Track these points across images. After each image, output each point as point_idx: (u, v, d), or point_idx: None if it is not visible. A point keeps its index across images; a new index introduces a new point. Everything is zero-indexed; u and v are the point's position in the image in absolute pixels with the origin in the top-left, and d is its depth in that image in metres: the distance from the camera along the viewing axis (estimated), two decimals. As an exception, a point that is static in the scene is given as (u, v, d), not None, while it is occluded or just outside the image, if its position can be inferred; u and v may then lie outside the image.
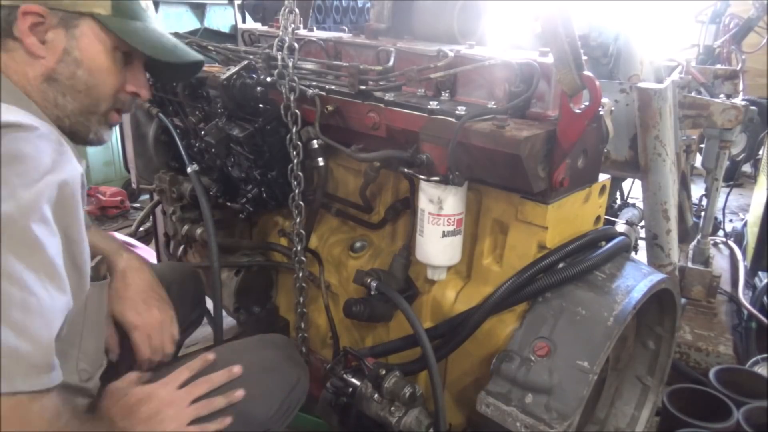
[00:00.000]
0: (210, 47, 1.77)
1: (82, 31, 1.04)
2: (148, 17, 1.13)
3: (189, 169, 1.67)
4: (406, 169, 1.33)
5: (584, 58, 1.13)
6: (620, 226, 2.46)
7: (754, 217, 3.16)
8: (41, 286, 0.85)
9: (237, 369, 1.21)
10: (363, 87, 1.40)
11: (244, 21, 4.28)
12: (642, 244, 2.54)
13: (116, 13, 1.06)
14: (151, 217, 2.33)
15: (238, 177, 1.64)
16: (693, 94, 2.28)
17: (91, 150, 3.74)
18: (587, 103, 1.14)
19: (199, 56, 1.23)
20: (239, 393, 1.18)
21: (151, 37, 1.12)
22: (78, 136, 1.14)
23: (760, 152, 4.52)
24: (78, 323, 1.10)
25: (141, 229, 2.88)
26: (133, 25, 1.09)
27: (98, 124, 1.14)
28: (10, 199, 0.83)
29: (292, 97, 1.43)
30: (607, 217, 1.81)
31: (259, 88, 1.50)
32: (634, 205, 3.03)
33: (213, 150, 1.58)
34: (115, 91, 1.13)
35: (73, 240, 0.95)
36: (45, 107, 1.06)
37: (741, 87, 2.73)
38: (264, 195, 1.63)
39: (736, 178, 4.30)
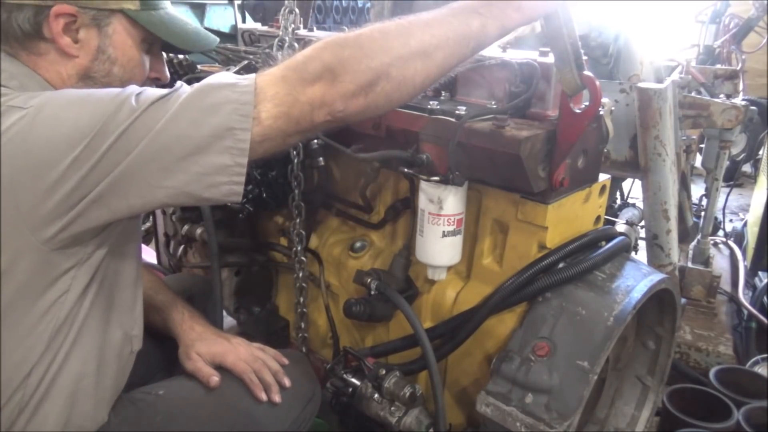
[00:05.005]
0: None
1: (115, 28, 1.04)
2: (167, 4, 1.13)
3: (189, 169, 1.67)
4: (406, 169, 1.32)
5: (584, 58, 1.13)
6: (620, 226, 2.46)
7: (754, 217, 3.16)
8: None
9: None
10: (363, 87, 1.40)
11: (244, 21, 4.27)
12: (642, 244, 2.53)
13: (144, 6, 1.06)
14: (151, 217, 2.33)
15: (238, 177, 1.64)
16: (693, 94, 2.27)
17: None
18: (587, 103, 1.14)
19: (214, 40, 1.22)
20: (287, 381, 1.30)
21: (177, 26, 1.12)
22: None
23: (760, 152, 4.52)
24: (136, 289, 1.15)
25: (141, 229, 2.88)
26: (158, 15, 1.09)
27: None
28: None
29: (292, 97, 1.43)
30: (607, 217, 1.81)
31: (259, 88, 1.50)
32: (634, 205, 3.02)
33: (213, 150, 1.58)
34: (143, 81, 1.13)
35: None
36: None
37: (741, 87, 2.73)
38: (264, 195, 1.63)
39: (736, 178, 4.29)
